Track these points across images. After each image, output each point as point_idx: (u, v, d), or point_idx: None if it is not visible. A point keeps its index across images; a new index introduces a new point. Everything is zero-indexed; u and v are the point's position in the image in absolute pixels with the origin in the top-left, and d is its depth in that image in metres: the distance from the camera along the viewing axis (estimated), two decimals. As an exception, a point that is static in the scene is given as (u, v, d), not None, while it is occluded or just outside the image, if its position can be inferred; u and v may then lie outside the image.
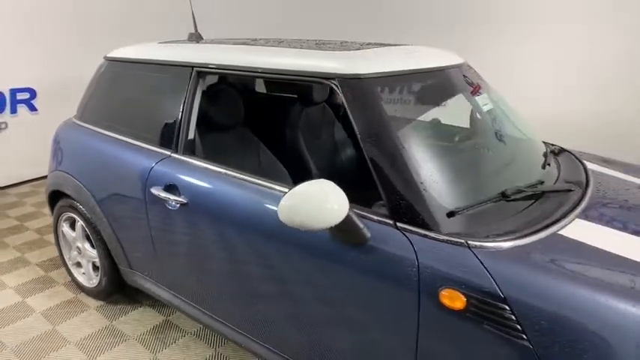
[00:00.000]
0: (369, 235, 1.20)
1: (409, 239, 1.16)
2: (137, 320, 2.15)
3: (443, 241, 1.13)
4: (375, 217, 1.24)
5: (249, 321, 1.61)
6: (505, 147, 1.61)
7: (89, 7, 4.10)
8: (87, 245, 2.22)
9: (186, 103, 1.73)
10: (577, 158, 1.83)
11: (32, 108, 4.01)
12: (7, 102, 3.86)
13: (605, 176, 1.68)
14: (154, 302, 2.27)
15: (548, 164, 1.60)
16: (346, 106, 1.33)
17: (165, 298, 1.93)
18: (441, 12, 4.83)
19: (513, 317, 1.00)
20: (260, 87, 2.92)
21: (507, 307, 1.01)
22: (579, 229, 1.21)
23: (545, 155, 1.68)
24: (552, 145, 1.99)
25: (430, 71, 1.51)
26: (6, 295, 2.34)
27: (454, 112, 1.57)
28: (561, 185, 1.44)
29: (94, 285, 2.26)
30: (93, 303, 2.28)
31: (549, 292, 0.99)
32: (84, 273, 2.33)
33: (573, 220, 1.26)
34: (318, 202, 1.11)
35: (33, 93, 4.00)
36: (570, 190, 1.40)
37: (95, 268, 2.25)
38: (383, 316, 1.21)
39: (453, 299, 1.07)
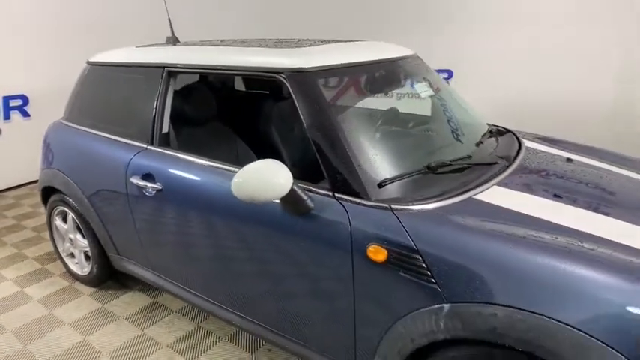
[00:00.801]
0: (312, 205, 1.40)
1: (344, 207, 1.36)
2: (127, 303, 2.35)
3: (371, 206, 1.33)
4: (319, 191, 1.43)
5: (220, 292, 1.81)
6: (439, 128, 1.81)
7: (77, 17, 4.28)
8: (78, 236, 2.42)
9: (159, 101, 1.92)
10: (517, 137, 2.03)
11: (25, 114, 4.20)
12: (1, 109, 4.06)
13: (537, 152, 1.88)
14: (143, 287, 2.47)
15: (481, 142, 1.80)
16: (293, 96, 1.52)
17: (150, 279, 2.13)
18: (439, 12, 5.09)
19: (424, 265, 1.20)
20: (240, 85, 3.12)
21: (419, 257, 1.21)
22: (494, 194, 1.41)
23: (483, 135, 1.89)
24: (499, 127, 2.20)
25: (371, 63, 1.71)
26: (5, 286, 2.54)
27: (392, 98, 1.77)
28: (485, 159, 1.63)
29: (87, 273, 2.46)
30: (86, 290, 2.48)
31: (452, 243, 1.19)
32: (77, 262, 2.53)
33: (491, 187, 1.46)
34: (266, 178, 1.31)
35: (25, 99, 4.19)
36: (494, 164, 1.59)
37: (87, 257, 2.44)
38: (327, 273, 1.41)
39: (377, 253, 1.27)
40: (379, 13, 5.37)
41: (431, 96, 1.83)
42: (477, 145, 1.78)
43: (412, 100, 1.82)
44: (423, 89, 1.80)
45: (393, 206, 1.31)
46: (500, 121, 4.91)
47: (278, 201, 1.41)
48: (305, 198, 1.39)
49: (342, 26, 5.41)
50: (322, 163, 1.43)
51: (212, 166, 1.68)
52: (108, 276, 2.42)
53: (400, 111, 1.84)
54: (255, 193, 1.32)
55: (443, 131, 1.80)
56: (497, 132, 2.08)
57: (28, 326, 2.17)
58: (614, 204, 1.46)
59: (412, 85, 1.82)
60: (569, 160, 1.83)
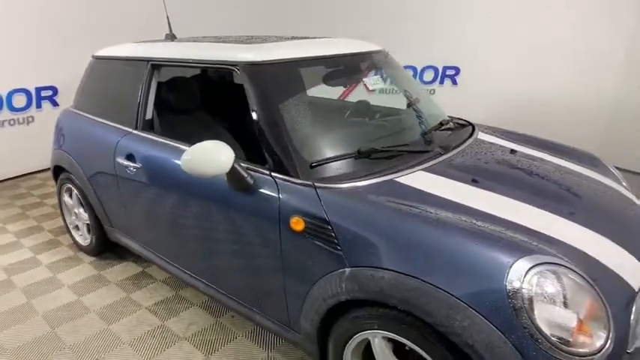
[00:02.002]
0: (251, 182, 1.59)
1: (277, 184, 1.54)
2: (119, 271, 2.63)
3: (298, 184, 1.50)
4: (260, 170, 1.62)
5: (185, 260, 2.05)
6: (383, 118, 1.95)
7: (102, 15, 4.66)
8: (81, 210, 2.72)
9: (143, 90, 2.17)
10: (473, 129, 2.14)
11: (55, 103, 4.61)
12: (33, 98, 4.49)
13: (485, 143, 1.99)
14: (136, 258, 2.74)
15: (428, 133, 1.93)
16: (245, 86, 1.72)
17: (135, 249, 2.39)
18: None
19: (333, 234, 1.37)
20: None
21: (330, 227, 1.37)
22: (414, 178, 1.55)
23: (436, 127, 2.02)
24: (461, 120, 2.30)
25: (321, 58, 1.88)
26: (22, 252, 2.89)
27: (339, 90, 1.93)
28: (419, 147, 1.76)
29: (88, 244, 2.76)
30: (87, 259, 2.78)
31: (356, 216, 1.36)
32: (81, 234, 2.84)
33: (417, 171, 1.60)
34: (211, 156, 1.51)
35: (55, 90, 4.60)
36: (426, 151, 1.72)
37: (89, 229, 2.74)
38: (263, 242, 1.59)
39: (297, 224, 1.44)
40: (387, 10, 5.46)
41: (384, 90, 1.97)
42: (423, 135, 1.92)
43: (360, 92, 1.97)
44: (374, 82, 1.95)
45: (316, 184, 1.48)
46: (504, 114, 4.93)
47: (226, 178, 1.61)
48: (245, 175, 1.58)
49: (345, 24, 5.54)
50: (263, 146, 1.62)
51: (177, 147, 1.91)
52: (105, 247, 2.70)
53: (345, 102, 2.00)
54: (200, 169, 1.52)
55: (389, 121, 1.94)
56: (458, 124, 2.20)
57: (34, 285, 2.49)
58: (532, 190, 1.57)
59: (362, 79, 1.97)
60: (513, 151, 1.93)
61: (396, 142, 1.78)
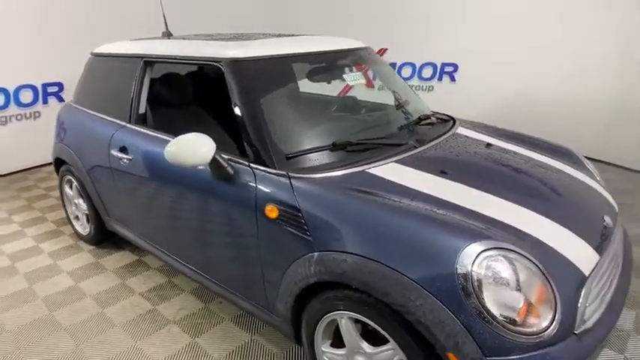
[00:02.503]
0: (231, 172, 1.67)
1: (255, 174, 1.63)
2: (116, 259, 2.75)
3: (274, 174, 1.59)
4: (240, 161, 1.71)
5: (174, 247, 2.15)
6: (363, 112, 2.03)
7: (106, 14, 4.78)
8: (80, 201, 2.84)
9: (136, 85, 2.27)
10: (453, 124, 2.20)
11: (60, 99, 4.74)
12: (40, 94, 4.63)
13: (462, 137, 2.05)
14: (134, 248, 2.85)
15: (405, 126, 2.00)
16: (227, 82, 1.80)
17: (130, 237, 2.50)
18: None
19: (303, 221, 1.45)
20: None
21: (300, 214, 1.46)
22: (386, 169, 1.63)
23: (415, 121, 2.09)
24: (443, 114, 2.36)
25: (302, 55, 1.96)
26: (25, 241, 3.02)
27: (318, 85, 2.00)
28: (394, 140, 1.83)
29: (87, 233, 2.88)
30: (87, 247, 2.91)
31: (325, 203, 1.44)
32: (81, 224, 2.96)
33: (389, 163, 1.67)
34: (193, 147, 1.60)
35: (61, 86, 4.74)
36: (401, 144, 1.79)
37: (88, 219, 2.86)
38: (242, 229, 1.68)
39: (272, 211, 1.53)
40: (388, 8, 5.51)
41: (358, 85, 2.04)
42: (400, 129, 1.99)
43: (339, 87, 2.04)
44: (353, 78, 2.02)
45: (290, 174, 1.56)
46: (501, 110, 4.95)
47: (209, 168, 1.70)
48: (226, 165, 1.67)
49: (346, 23, 5.60)
50: (243, 138, 1.70)
51: (167, 140, 1.99)
52: (103, 236, 2.82)
53: (323, 96, 2.08)
54: (183, 159, 1.61)
55: (368, 116, 2.02)
56: (439, 119, 2.26)
57: (36, 271, 2.62)
58: (497, 181, 1.64)
59: (342, 75, 2.04)
60: (488, 144, 1.99)
61: (373, 135, 1.85)
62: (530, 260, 1.22)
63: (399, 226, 1.31)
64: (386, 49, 5.70)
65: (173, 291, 2.40)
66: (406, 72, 5.70)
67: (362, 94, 2.26)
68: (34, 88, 4.59)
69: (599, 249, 1.41)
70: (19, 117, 4.53)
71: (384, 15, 5.52)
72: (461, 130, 2.16)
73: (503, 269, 1.20)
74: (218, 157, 1.65)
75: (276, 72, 1.86)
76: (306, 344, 1.60)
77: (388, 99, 2.30)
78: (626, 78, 4.10)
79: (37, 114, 4.63)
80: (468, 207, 1.41)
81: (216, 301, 2.29)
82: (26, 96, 4.56)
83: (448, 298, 1.18)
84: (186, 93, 2.44)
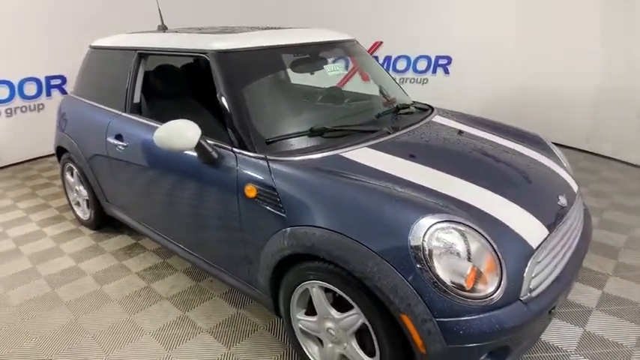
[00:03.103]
0: (216, 156, 1.80)
1: (237, 158, 1.76)
2: (115, 242, 2.90)
3: (253, 157, 1.72)
4: (224, 146, 1.84)
5: (165, 227, 2.29)
6: (344, 101, 2.15)
7: (109, 9, 4.91)
8: (81, 187, 2.99)
9: (131, 76, 2.40)
10: (430, 113, 2.32)
11: (63, 91, 4.89)
12: (43, 87, 4.79)
13: (436, 124, 2.17)
14: (132, 232, 3.00)
15: (382, 114, 2.12)
16: (212, 72, 1.93)
17: (127, 221, 2.65)
18: None
19: (278, 199, 1.58)
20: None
21: (276, 193, 1.59)
22: (358, 153, 1.75)
23: (391, 109, 2.21)
24: (424, 104, 2.48)
25: (285, 46, 2.08)
26: (30, 226, 3.18)
27: (300, 75, 2.13)
28: (368, 127, 1.95)
29: (88, 218, 3.04)
30: (87, 232, 3.06)
31: (297, 183, 1.57)
32: (82, 210, 3.11)
33: (362, 147, 1.80)
34: (179, 132, 1.73)
35: (64, 79, 4.88)
36: (374, 131, 1.92)
37: (88, 205, 3.01)
38: (226, 208, 1.82)
39: (250, 191, 1.67)
40: (383, 1, 5.59)
41: (337, 75, 2.17)
42: (377, 116, 2.11)
43: (319, 77, 2.17)
44: (333, 69, 2.14)
45: (269, 157, 1.69)
46: (495, 102, 5.05)
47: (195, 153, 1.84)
48: (210, 150, 1.80)
49: (341, 15, 5.68)
50: (227, 125, 1.83)
51: (156, 126, 2.13)
52: (102, 221, 2.97)
53: (309, 86, 2.20)
54: (170, 143, 1.74)
55: (348, 104, 2.14)
56: (418, 108, 2.38)
57: (39, 254, 2.77)
58: (461, 163, 1.77)
59: (323, 65, 2.16)
60: (460, 132, 2.11)
61: (351, 122, 1.98)
62: (478, 232, 1.34)
63: (362, 202, 1.44)
64: (381, 42, 5.80)
65: (167, 270, 2.55)
66: (401, 65, 5.80)
67: (347, 84, 2.39)
68: (37, 81, 4.74)
69: (550, 225, 1.53)
70: (23, 109, 4.69)
71: (379, 8, 5.61)
72: (437, 118, 2.28)
73: (453, 240, 1.32)
74: (203, 142, 1.78)
75: (258, 63, 1.99)
76: (284, 313, 1.74)
77: (370, 89, 2.43)
78: (615, 70, 4.18)
79: (40, 106, 4.79)
80: (429, 186, 1.53)
81: (206, 279, 2.43)
82: (30, 88, 4.72)
83: (402, 266, 1.31)
84: (177, 83, 2.58)
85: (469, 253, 1.33)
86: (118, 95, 2.47)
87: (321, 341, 1.68)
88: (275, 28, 2.35)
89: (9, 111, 4.60)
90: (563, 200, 1.68)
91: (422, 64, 5.66)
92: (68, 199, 3.24)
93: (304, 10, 5.74)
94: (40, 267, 2.62)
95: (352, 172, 1.59)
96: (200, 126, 1.77)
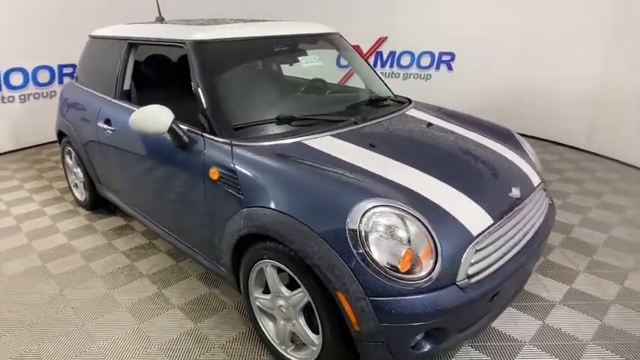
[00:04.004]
0: (187, 140, 1.90)
1: (205, 142, 1.85)
2: (107, 223, 3.04)
3: (219, 142, 1.81)
4: (196, 131, 1.93)
5: (146, 207, 2.41)
6: (313, 92, 2.22)
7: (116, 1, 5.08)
8: (78, 170, 3.14)
9: (121, 65, 2.52)
10: (405, 106, 2.36)
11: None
12: (56, 75, 4.99)
13: (407, 117, 2.22)
14: (124, 214, 3.14)
15: (354, 105, 2.18)
16: (189, 61, 2.02)
17: (115, 201, 2.78)
18: None
19: (237, 182, 1.67)
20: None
21: (235, 176, 1.68)
22: (320, 141, 1.82)
23: (364, 100, 2.28)
24: (403, 97, 2.52)
25: (261, 38, 2.16)
26: (32, 205, 3.36)
27: (273, 66, 2.20)
28: (335, 117, 2.01)
29: (84, 199, 3.19)
30: (83, 212, 3.22)
31: (254, 167, 1.65)
32: (79, 191, 3.27)
33: (325, 136, 1.87)
34: (153, 117, 1.84)
35: (75, 67, 5.06)
36: (341, 121, 1.98)
37: (84, 187, 3.16)
38: (194, 190, 1.91)
39: (214, 174, 1.76)
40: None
41: (310, 67, 2.23)
42: (348, 108, 2.18)
43: (302, 68, 2.24)
44: (308, 60, 2.21)
45: (233, 142, 1.78)
46: (496, 100, 5.05)
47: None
48: (182, 134, 1.90)
49: (348, 12, 5.71)
50: (199, 111, 1.92)
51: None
52: (96, 202, 3.11)
53: (280, 76, 2.27)
54: (144, 127, 1.85)
55: (323, 95, 2.21)
56: (395, 101, 2.43)
57: (36, 231, 2.94)
58: (417, 153, 1.82)
59: (298, 57, 2.23)
60: (429, 124, 2.15)
61: (321, 112, 2.05)
62: (415, 217, 1.40)
63: (309, 186, 1.51)
64: (386, 38, 5.82)
65: (151, 251, 2.67)
66: (405, 60, 5.80)
67: (323, 76, 2.45)
68: (50, 69, 4.95)
69: (495, 215, 1.57)
70: (36, 95, 4.90)
71: (384, 4, 5.62)
72: (412, 111, 2.32)
73: (390, 223, 1.38)
74: (175, 127, 1.88)
75: (233, 53, 2.07)
76: (243, 291, 1.83)
77: (350, 82, 2.49)
78: (616, 70, 4.11)
79: (52, 93, 4.99)
80: (379, 173, 1.59)
81: (186, 260, 2.55)
82: (43, 76, 4.93)
83: (339, 246, 1.37)
84: (163, 72, 2.69)
85: (405, 236, 1.38)
86: (110, 82, 2.60)
87: (275, 319, 1.77)
88: (262, 21, 2.43)
89: (23, 97, 4.81)
90: (516, 192, 1.71)
91: (425, 60, 5.65)
92: (68, 181, 3.40)
93: (309, 6, 5.78)
94: (35, 243, 2.78)
95: (309, 159, 1.66)
96: (179, 112, 1.88)
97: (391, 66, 5.93)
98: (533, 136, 4.96)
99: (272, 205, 1.54)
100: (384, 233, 1.38)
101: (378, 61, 5.98)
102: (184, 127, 1.93)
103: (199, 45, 2.01)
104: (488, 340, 1.90)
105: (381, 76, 2.74)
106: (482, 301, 1.49)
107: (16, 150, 4.78)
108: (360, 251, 1.36)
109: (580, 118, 4.49)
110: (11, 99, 4.71)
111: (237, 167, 1.69)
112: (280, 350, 1.75)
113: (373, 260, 1.36)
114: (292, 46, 2.30)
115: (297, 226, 1.46)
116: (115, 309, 2.14)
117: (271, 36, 2.21)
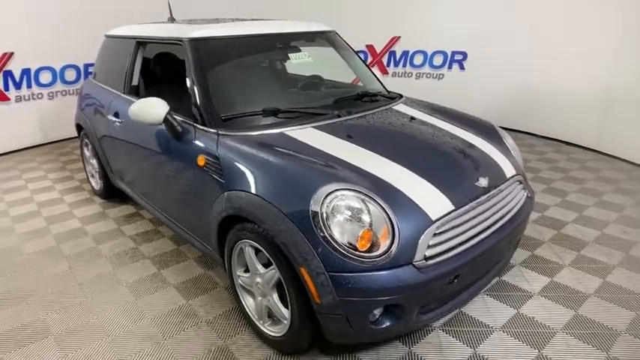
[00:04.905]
0: (180, 130, 2.07)
1: (195, 132, 2.01)
2: (119, 211, 3.26)
3: (208, 132, 1.96)
4: (189, 122, 2.09)
5: (149, 194, 2.60)
6: (303, 86, 2.35)
7: (139, 3, 5.35)
8: (94, 161, 3.37)
9: (130, 62, 2.72)
10: (394, 101, 2.46)
11: (99, 78, 5.40)
12: (82, 73, 5.31)
13: (392, 111, 2.32)
14: (135, 203, 3.35)
15: (339, 100, 2.30)
16: (186, 57, 2.18)
17: (125, 189, 2.99)
18: None
19: (220, 167, 1.81)
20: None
21: (218, 162, 1.82)
22: (301, 132, 1.95)
23: (352, 95, 2.39)
24: (396, 93, 2.61)
25: (255, 36, 2.31)
26: (53, 193, 3.62)
27: (265, 62, 2.33)
28: (314, 110, 2.13)
29: (99, 188, 3.43)
30: (98, 201, 3.45)
31: (236, 154, 1.79)
32: (95, 181, 3.51)
33: (307, 128, 1.99)
34: (150, 108, 2.01)
35: (99, 67, 5.39)
36: (323, 114, 2.09)
37: (100, 176, 3.39)
38: (186, 176, 2.07)
39: (201, 160, 1.91)
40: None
41: (300, 63, 2.36)
42: (334, 102, 2.29)
43: (283, 64, 2.37)
44: (298, 57, 2.34)
45: (220, 132, 1.93)
46: (508, 99, 5.08)
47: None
48: (176, 125, 2.06)
49: (364, 12, 5.79)
50: (192, 103, 2.08)
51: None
52: (110, 191, 3.33)
53: (273, 71, 2.41)
54: (142, 117, 2.03)
55: (309, 89, 2.34)
56: (384, 96, 2.53)
57: (55, 216, 3.19)
58: (392, 144, 1.92)
59: (288, 54, 2.36)
60: (412, 118, 2.24)
61: (307, 106, 2.18)
62: (374, 199, 1.51)
63: (281, 171, 1.64)
64: (399, 37, 5.88)
65: (156, 236, 2.86)
66: (418, 60, 5.85)
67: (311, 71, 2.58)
68: (77, 68, 5.26)
69: (457, 202, 1.65)
70: (63, 92, 5.23)
71: (398, 3, 5.68)
72: (399, 106, 2.42)
73: (349, 205, 1.50)
74: (170, 117, 2.04)
75: (225, 49, 2.23)
76: (227, 270, 1.98)
77: (341, 78, 2.60)
78: (628, 70, 4.05)
79: (78, 90, 5.30)
80: (348, 160, 1.71)
81: (186, 245, 2.72)
82: (70, 74, 5.25)
83: (303, 225, 1.50)
84: (167, 67, 2.86)
85: (364, 218, 1.49)
86: (121, 78, 2.80)
87: (254, 295, 1.90)
88: (261, 20, 2.58)
89: (51, 94, 5.15)
90: (483, 182, 1.78)
91: (438, 60, 5.68)
92: (85, 171, 3.65)
93: (323, 8, 5.88)
94: (52, 227, 3.02)
95: (287, 147, 1.79)
96: (180, 106, 2.05)
97: (404, 65, 5.99)
98: (545, 135, 4.92)
99: (248, 189, 1.68)
100: (345, 215, 1.49)
101: (392, 60, 6.05)
102: (179, 119, 2.09)
103: (194, 42, 2.18)
104: (459, 325, 1.97)
105: (377, 74, 2.84)
106: (440, 282, 1.57)
107: (44, 144, 5.11)
108: (322, 230, 1.47)
109: (591, 118, 4.43)
110: (40, 96, 5.06)
111: (220, 154, 1.83)
112: (259, 325, 1.88)
113: (333, 239, 1.47)
114: (284, 44, 2.44)
115: (268, 207, 1.59)
116: (116, 286, 2.32)
117: (264, 34, 2.36)
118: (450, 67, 5.64)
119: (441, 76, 5.73)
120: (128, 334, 1.97)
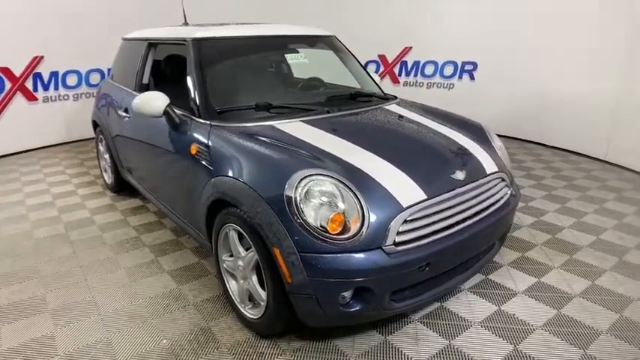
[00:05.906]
0: (178, 121, 2.19)
1: (191, 123, 2.13)
2: (128, 204, 3.42)
3: (201, 123, 2.08)
4: (187, 114, 2.21)
5: (152, 185, 2.73)
6: (301, 87, 2.46)
7: (162, 10, 5.61)
8: (107, 155, 3.55)
9: (142, 61, 2.89)
10: (387, 101, 2.53)
11: (120, 82, 5.67)
12: (106, 76, 5.59)
13: (385, 110, 2.39)
14: (144, 197, 3.51)
15: (332, 98, 2.39)
16: (188, 55, 2.32)
17: (132, 182, 3.14)
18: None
19: (209, 155, 1.92)
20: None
21: (208, 150, 1.93)
22: (290, 125, 2.05)
23: (344, 94, 2.48)
24: (391, 95, 2.69)
25: (254, 37, 2.43)
26: (68, 187, 3.82)
27: (261, 61, 2.45)
28: (310, 106, 2.22)
29: (111, 182, 3.60)
30: (109, 194, 3.63)
31: (224, 143, 1.90)
32: (108, 175, 3.68)
33: (296, 122, 2.08)
34: (151, 101, 2.15)
35: (122, 72, 5.66)
36: (312, 110, 2.19)
37: (112, 171, 3.57)
38: (182, 165, 2.19)
39: (193, 149, 2.03)
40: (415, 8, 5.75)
41: (296, 63, 2.46)
42: (326, 100, 2.38)
43: (280, 64, 2.48)
44: (294, 58, 2.45)
45: (212, 123, 2.04)
46: (517, 108, 5.08)
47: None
48: (174, 117, 2.19)
49: (376, 23, 5.91)
50: (190, 97, 2.21)
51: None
52: (120, 185, 3.50)
53: (265, 70, 2.53)
54: (143, 109, 2.17)
55: (303, 88, 2.44)
56: (379, 97, 2.61)
57: (67, 207, 3.37)
58: (373, 138, 2.00)
59: (284, 54, 2.48)
60: (400, 116, 2.30)
61: (300, 102, 2.28)
62: (345, 184, 1.58)
63: (262, 158, 1.74)
64: (411, 48, 5.96)
65: (158, 227, 2.99)
66: (429, 70, 5.90)
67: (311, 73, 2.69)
68: (101, 72, 5.54)
69: (430, 192, 1.70)
70: (87, 95, 5.51)
71: (410, 15, 5.77)
72: (392, 106, 2.49)
73: (322, 189, 1.57)
74: (169, 110, 2.17)
75: (225, 49, 2.37)
76: (214, 255, 2.07)
77: (338, 79, 2.70)
78: (634, 80, 4.00)
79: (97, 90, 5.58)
80: (328, 150, 1.79)
81: (186, 236, 2.83)
82: (95, 78, 5.53)
83: (277, 208, 1.58)
84: (174, 66, 3.02)
85: (336, 202, 1.56)
86: (133, 77, 2.98)
87: (237, 278, 1.98)
88: (264, 24, 2.72)
89: (76, 96, 5.44)
90: (459, 175, 1.83)
91: (448, 70, 5.72)
92: (100, 166, 3.85)
93: (337, 17, 6.01)
94: (63, 216, 3.20)
95: (272, 138, 1.89)
96: (182, 101, 2.19)
97: (415, 75, 6.06)
98: (554, 145, 4.88)
99: (232, 174, 1.78)
100: (318, 198, 1.56)
101: (403, 70, 6.13)
102: (178, 112, 2.22)
103: (196, 41, 2.32)
104: (438, 318, 2.00)
105: (375, 76, 2.92)
106: (409, 268, 1.62)
107: (67, 142, 5.38)
108: (294, 213, 1.55)
109: (600, 129, 4.38)
110: (66, 97, 5.34)
111: (210, 143, 1.94)
112: (240, 308, 1.96)
113: (305, 221, 1.54)
114: (283, 45, 2.56)
115: (248, 191, 1.68)
116: (114, 270, 2.45)
117: (264, 35, 2.48)
118: (460, 77, 5.67)
119: (451, 86, 5.77)
120: (118, 312, 2.07)
